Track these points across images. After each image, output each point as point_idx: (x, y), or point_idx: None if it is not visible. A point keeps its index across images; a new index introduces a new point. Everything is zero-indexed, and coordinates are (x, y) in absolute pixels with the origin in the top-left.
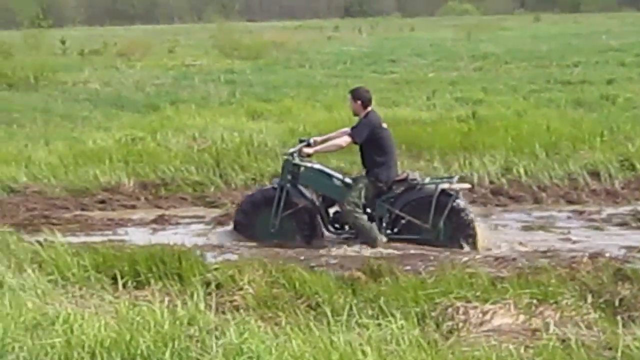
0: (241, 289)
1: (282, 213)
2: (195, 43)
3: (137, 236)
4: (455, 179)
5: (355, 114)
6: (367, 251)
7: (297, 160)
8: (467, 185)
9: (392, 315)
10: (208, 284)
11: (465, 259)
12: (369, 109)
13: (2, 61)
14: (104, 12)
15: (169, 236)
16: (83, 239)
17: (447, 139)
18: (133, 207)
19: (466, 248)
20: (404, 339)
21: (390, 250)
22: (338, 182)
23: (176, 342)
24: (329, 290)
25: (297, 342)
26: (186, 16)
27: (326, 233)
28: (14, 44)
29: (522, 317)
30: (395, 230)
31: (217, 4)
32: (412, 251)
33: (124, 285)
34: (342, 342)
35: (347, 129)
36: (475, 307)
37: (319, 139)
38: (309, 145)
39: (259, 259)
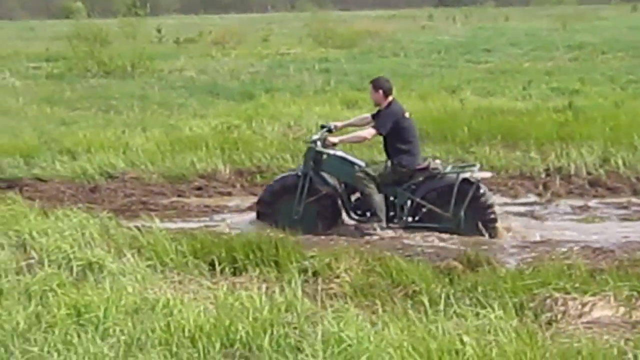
0: (338, 276)
1: (305, 200)
2: (289, 32)
3: (233, 223)
4: (477, 167)
5: (377, 104)
6: (462, 241)
7: (320, 148)
8: (489, 174)
9: (490, 305)
10: (305, 272)
11: (564, 249)
12: (390, 98)
13: (100, 49)
14: (199, 0)
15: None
16: (180, 225)
17: (543, 129)
18: (229, 194)
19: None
20: (503, 329)
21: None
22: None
23: (275, 329)
24: (426, 279)
25: (395, 330)
26: (279, 5)
27: (348, 220)
28: (111, 32)
29: (622, 310)
30: (416, 218)
31: None
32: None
33: (222, 272)
34: (440, 331)
35: (368, 115)
36: (574, 299)
37: (339, 124)
38: (329, 131)
39: (356, 247)
